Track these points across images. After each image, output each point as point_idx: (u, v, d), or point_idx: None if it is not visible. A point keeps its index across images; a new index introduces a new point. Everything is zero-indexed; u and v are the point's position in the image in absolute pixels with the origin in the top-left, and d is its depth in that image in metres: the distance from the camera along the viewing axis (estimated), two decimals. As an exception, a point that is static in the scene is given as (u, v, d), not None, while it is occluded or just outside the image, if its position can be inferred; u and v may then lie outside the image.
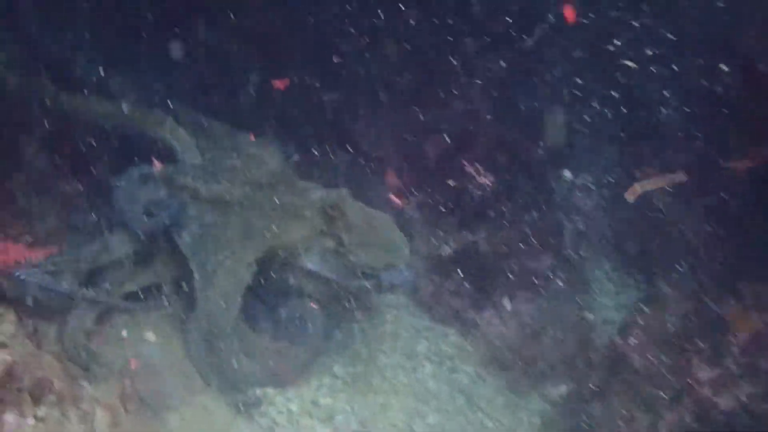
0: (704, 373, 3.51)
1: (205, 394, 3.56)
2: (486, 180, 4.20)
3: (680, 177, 3.51)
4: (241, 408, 3.69)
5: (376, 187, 5.19)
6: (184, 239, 3.61)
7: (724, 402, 3.33)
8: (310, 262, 3.85)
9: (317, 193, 4.01)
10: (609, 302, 5.34)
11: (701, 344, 3.65)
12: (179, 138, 3.93)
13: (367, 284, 4.04)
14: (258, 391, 3.82)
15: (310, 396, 4.00)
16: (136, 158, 3.81)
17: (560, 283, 5.13)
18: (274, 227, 3.76)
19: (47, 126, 3.80)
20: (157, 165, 3.69)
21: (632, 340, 4.07)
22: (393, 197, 4.63)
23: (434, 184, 5.18)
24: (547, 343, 4.88)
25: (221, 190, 3.78)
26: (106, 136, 4.08)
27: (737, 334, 3.49)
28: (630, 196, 3.59)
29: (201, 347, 3.62)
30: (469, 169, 4.15)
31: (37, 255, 3.00)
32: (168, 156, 3.94)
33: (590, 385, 4.25)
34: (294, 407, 3.89)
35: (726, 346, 3.52)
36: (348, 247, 3.91)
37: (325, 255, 3.97)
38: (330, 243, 3.94)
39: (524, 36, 4.85)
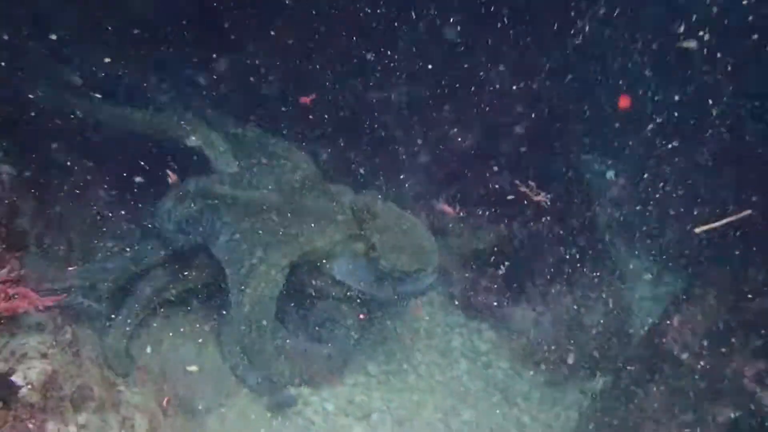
0: (749, 367, 3.40)
1: (241, 396, 3.59)
2: (542, 198, 4.17)
3: (746, 213, 3.44)
4: (277, 408, 3.71)
5: (407, 189, 5.19)
6: (220, 246, 3.65)
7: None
8: (339, 271, 3.86)
9: (348, 196, 4.04)
10: (647, 293, 5.23)
11: (744, 337, 3.54)
12: (214, 146, 3.95)
13: (392, 294, 4.02)
14: (293, 392, 3.84)
15: (346, 395, 4.02)
16: (171, 166, 3.86)
17: (596, 275, 5.06)
18: (307, 232, 3.77)
19: (82, 136, 3.87)
20: (173, 177, 3.71)
21: (673, 333, 3.96)
22: (445, 207, 4.58)
23: (467, 177, 5.16)
24: (582, 337, 4.82)
25: (258, 196, 3.79)
26: (140, 145, 4.13)
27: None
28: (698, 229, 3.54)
29: (235, 350, 3.65)
30: (523, 188, 4.10)
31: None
32: (203, 164, 3.98)
33: (628, 378, 4.16)
34: (330, 406, 3.91)
35: (769, 339, 3.41)
36: (379, 251, 3.88)
37: (355, 261, 3.98)
38: (361, 246, 3.93)
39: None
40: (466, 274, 4.99)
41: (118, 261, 3.54)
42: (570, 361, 4.67)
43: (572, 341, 4.75)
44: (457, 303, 4.94)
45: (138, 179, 3.84)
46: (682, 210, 5.18)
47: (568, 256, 5.04)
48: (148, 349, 3.36)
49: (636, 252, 5.54)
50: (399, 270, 3.90)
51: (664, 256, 5.42)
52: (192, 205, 3.67)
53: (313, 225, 3.80)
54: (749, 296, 3.68)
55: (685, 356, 3.80)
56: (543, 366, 4.66)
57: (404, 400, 4.11)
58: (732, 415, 3.31)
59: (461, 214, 4.67)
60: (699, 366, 3.69)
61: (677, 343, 3.89)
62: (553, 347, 4.74)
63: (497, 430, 4.11)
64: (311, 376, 3.99)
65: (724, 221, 3.36)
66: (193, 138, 3.90)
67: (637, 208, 5.59)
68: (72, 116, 3.70)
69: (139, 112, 3.95)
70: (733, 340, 3.60)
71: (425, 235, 4.07)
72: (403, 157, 5.21)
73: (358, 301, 4.29)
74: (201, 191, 3.76)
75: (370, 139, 5.05)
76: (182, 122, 3.93)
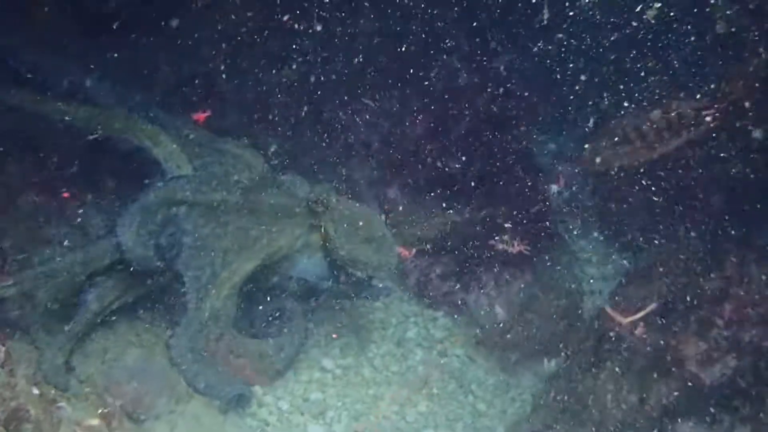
0: (691, 347, 3.49)
1: (193, 401, 3.52)
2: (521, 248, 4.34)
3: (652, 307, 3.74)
4: (230, 410, 3.66)
5: (360, 177, 5.15)
6: (181, 256, 3.54)
7: (710, 376, 3.32)
8: (296, 269, 3.85)
9: (304, 188, 4.01)
10: (595, 273, 5.32)
11: (688, 318, 3.63)
12: (168, 149, 3.76)
13: (349, 289, 4.10)
14: (246, 392, 3.80)
15: (301, 392, 3.99)
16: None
17: (545, 257, 5.12)
18: (268, 232, 3.73)
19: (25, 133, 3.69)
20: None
21: (619, 314, 4.04)
22: (401, 249, 4.59)
23: (416, 165, 5.14)
24: (535, 320, 4.88)
25: (219, 198, 3.67)
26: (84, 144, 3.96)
27: (722, 308, 3.46)
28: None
29: (188, 354, 3.57)
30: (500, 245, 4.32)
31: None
32: (155, 169, 3.79)
33: (580, 360, 4.24)
34: (284, 405, 3.88)
35: (712, 320, 3.50)
36: (335, 241, 3.90)
37: (311, 255, 3.96)
38: (317, 238, 3.92)
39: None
40: (419, 263, 5.00)
41: (60, 264, 3.38)
42: (524, 345, 4.74)
43: (524, 325, 4.81)
44: (411, 292, 4.95)
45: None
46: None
47: (518, 240, 5.09)
48: (91, 360, 3.25)
49: (585, 231, 5.63)
50: (356, 260, 3.94)
51: (612, 235, 5.53)
52: (155, 218, 3.47)
53: (274, 224, 3.75)
54: (692, 276, 3.78)
55: (630, 337, 3.88)
56: (497, 351, 4.71)
57: (360, 394, 4.11)
58: (674, 396, 3.40)
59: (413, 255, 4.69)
60: (644, 347, 3.78)
61: (624, 324, 3.97)
62: (506, 332, 4.80)
63: (453, 419, 4.15)
64: (261, 374, 3.94)
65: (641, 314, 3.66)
66: (144, 140, 3.73)
67: (586, 187, 5.69)
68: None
69: (87, 109, 3.75)
70: (676, 320, 3.69)
71: (382, 226, 4.09)
72: (354, 144, 5.18)
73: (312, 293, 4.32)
74: (164, 199, 3.56)
75: (319, 126, 4.99)
76: (135, 123, 3.75)
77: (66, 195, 3.61)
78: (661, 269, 4.08)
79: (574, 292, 5.14)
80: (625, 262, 5.30)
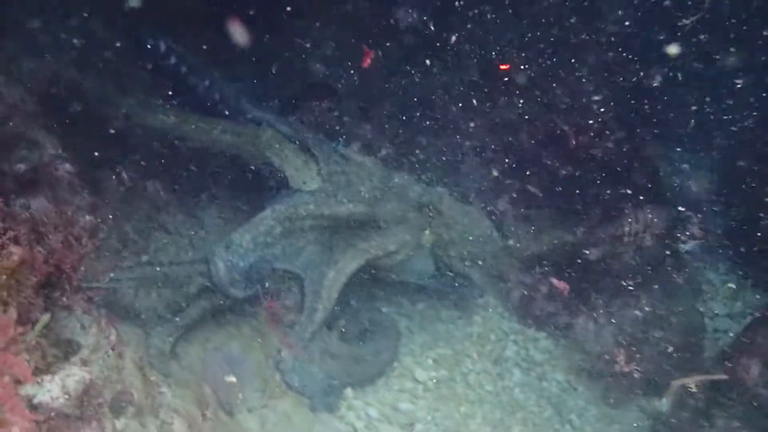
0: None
1: (285, 399, 3.58)
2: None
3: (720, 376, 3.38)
4: (319, 410, 3.69)
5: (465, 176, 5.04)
6: (300, 263, 3.71)
7: None
8: (401, 273, 3.98)
9: (415, 189, 4.08)
10: (722, 310, 4.86)
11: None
12: (292, 162, 3.83)
13: (450, 291, 4.19)
14: (338, 395, 3.82)
15: (390, 401, 3.95)
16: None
17: (666, 287, 4.74)
18: (379, 236, 3.84)
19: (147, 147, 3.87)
20: None
21: (746, 359, 3.65)
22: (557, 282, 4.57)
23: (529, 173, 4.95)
24: (647, 352, 4.53)
25: (344, 211, 3.77)
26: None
27: None
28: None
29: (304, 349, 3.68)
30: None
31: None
32: (280, 183, 3.88)
33: (695, 403, 3.89)
34: (373, 412, 3.86)
35: None
36: (447, 244, 4.09)
37: (419, 258, 4.06)
38: (430, 239, 4.07)
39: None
40: (525, 279, 4.80)
41: (178, 270, 3.50)
42: (631, 378, 4.41)
43: (635, 356, 4.48)
44: (513, 309, 4.76)
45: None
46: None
47: (637, 264, 4.75)
48: (192, 348, 3.39)
49: (714, 263, 5.16)
50: (465, 258, 4.16)
51: (746, 268, 5.03)
52: (247, 256, 3.44)
53: (387, 230, 3.86)
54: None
55: (756, 386, 3.49)
56: (601, 381, 4.43)
57: (451, 410, 4.00)
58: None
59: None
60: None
61: (749, 371, 3.59)
62: (614, 362, 4.49)
63: (547, 448, 3.95)
64: (357, 376, 3.95)
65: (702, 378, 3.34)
66: (269, 154, 3.82)
67: (716, 209, 5.22)
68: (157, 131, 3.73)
69: (221, 127, 3.81)
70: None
71: (489, 225, 4.26)
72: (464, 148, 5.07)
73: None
74: (286, 216, 3.64)
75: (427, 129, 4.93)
76: (259, 135, 3.83)
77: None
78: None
79: (695, 327, 4.74)
80: (758, 297, 4.83)
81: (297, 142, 3.86)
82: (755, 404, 3.44)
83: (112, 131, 3.57)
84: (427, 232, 4.06)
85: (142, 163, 3.75)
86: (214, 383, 3.27)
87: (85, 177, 3.24)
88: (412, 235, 3.99)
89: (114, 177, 3.55)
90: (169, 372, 3.11)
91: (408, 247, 3.98)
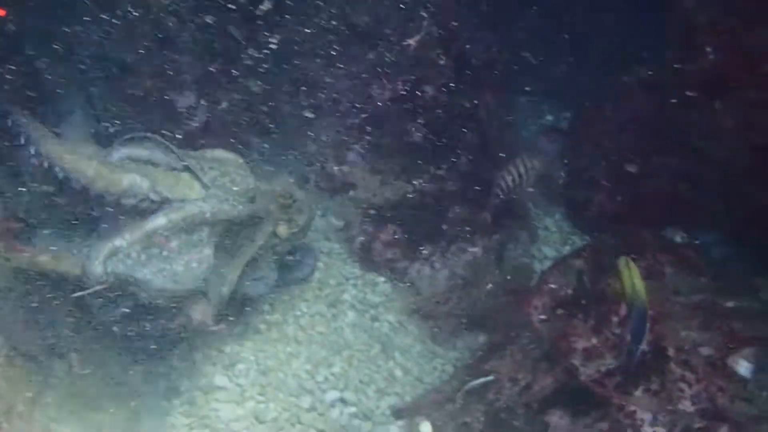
0: (582, 342, 3.45)
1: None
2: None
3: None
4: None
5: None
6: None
7: (588, 371, 3.28)
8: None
9: (281, 180, 4.24)
10: (551, 254, 5.22)
11: (588, 312, 3.57)
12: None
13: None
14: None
15: (217, 344, 4.18)
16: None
17: (500, 234, 5.06)
18: (251, 236, 3.93)
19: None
20: None
21: (538, 299, 4.00)
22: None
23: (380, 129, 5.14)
24: (477, 294, 4.87)
25: (236, 211, 3.68)
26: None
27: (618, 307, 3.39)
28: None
29: None
30: None
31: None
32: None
33: (499, 337, 4.26)
34: (198, 355, 4.09)
35: (608, 318, 3.43)
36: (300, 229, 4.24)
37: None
38: (284, 229, 4.14)
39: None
40: (367, 227, 5.04)
41: None
42: (461, 317, 4.75)
43: (464, 298, 4.82)
44: (356, 255, 5.01)
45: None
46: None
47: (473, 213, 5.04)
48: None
49: (551, 211, 5.49)
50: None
51: (576, 216, 5.38)
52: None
53: (256, 227, 3.93)
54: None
55: (537, 322, 3.85)
56: (431, 321, 4.75)
57: (276, 350, 4.27)
58: (552, 387, 3.39)
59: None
60: (547, 335, 3.75)
61: (537, 309, 3.94)
62: (444, 303, 4.82)
63: (365, 382, 4.26)
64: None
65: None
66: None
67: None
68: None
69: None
70: (578, 313, 3.63)
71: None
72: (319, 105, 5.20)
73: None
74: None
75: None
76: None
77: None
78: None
79: (524, 269, 5.11)
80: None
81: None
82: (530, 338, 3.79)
83: None
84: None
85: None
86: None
87: None
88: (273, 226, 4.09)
89: None
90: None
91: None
